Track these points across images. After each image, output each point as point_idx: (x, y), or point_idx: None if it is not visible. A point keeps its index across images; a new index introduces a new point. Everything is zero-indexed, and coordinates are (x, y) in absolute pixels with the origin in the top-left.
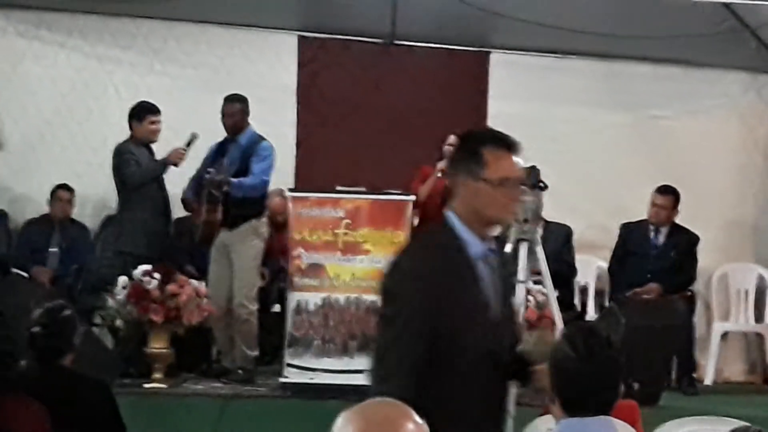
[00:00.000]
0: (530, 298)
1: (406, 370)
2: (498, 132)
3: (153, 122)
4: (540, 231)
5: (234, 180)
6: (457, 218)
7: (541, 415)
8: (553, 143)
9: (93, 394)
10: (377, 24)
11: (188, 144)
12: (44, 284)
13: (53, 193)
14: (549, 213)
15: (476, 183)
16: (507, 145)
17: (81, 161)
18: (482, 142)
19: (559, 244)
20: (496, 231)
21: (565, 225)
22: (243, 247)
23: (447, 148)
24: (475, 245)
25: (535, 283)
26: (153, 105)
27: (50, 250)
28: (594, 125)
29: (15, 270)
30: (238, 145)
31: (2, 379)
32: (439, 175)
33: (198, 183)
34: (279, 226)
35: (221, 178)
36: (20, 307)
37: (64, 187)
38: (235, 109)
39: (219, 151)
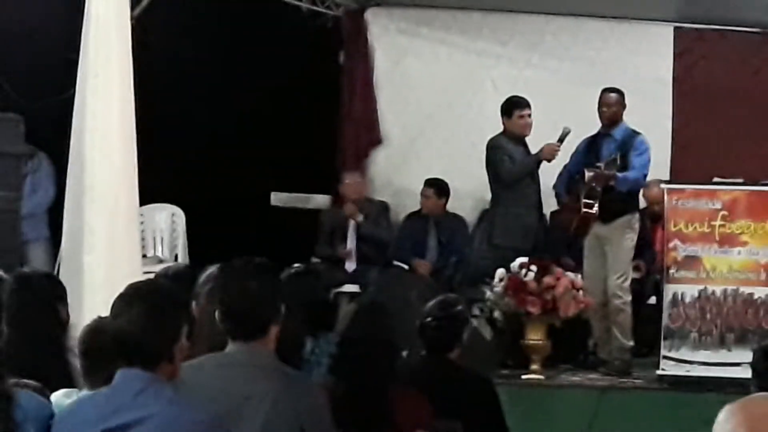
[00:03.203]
0: None
1: None
2: None
3: (522, 116)
4: None
5: (620, 175)
6: None
7: None
8: None
9: (477, 389)
10: (756, 12)
11: (561, 139)
12: (425, 277)
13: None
14: None
15: None
16: None
17: (460, 155)
18: None
19: None
20: None
21: None
22: (618, 240)
23: None
24: None
25: None
26: (522, 99)
27: (429, 243)
28: None
29: (397, 262)
30: (613, 140)
31: (387, 370)
32: None
33: (570, 177)
34: (656, 217)
35: (610, 173)
36: (402, 299)
37: (429, 183)
38: (614, 100)
39: (591, 146)
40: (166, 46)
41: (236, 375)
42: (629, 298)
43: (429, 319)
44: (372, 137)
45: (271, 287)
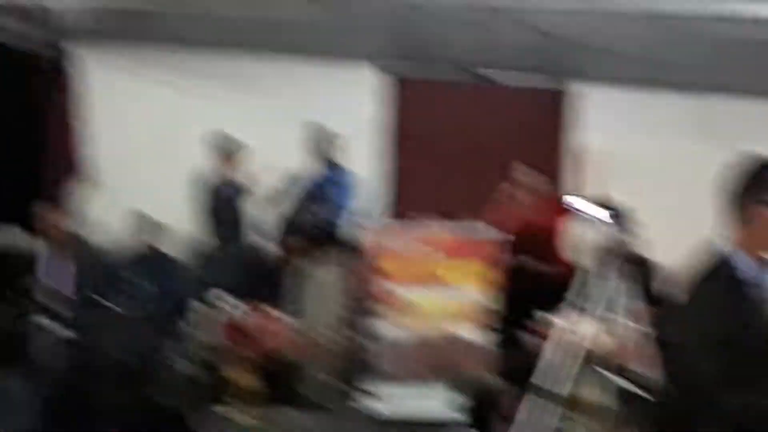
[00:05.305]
0: None
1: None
2: None
3: (236, 160)
4: None
5: (327, 214)
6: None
7: None
8: (636, 177)
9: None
10: (459, 56)
11: (273, 183)
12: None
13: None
14: None
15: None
16: None
17: (168, 192)
18: None
19: None
20: None
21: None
22: (327, 277)
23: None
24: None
25: None
26: (234, 141)
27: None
28: (680, 159)
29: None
30: (324, 177)
31: None
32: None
33: (290, 219)
34: (361, 255)
35: (318, 219)
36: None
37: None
38: (320, 139)
39: (308, 186)
40: None
41: None
42: (338, 335)
43: None
44: (72, 171)
45: None
